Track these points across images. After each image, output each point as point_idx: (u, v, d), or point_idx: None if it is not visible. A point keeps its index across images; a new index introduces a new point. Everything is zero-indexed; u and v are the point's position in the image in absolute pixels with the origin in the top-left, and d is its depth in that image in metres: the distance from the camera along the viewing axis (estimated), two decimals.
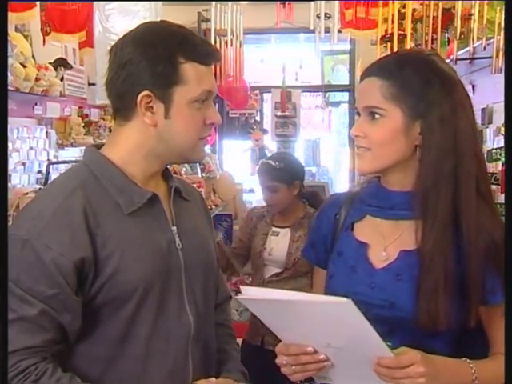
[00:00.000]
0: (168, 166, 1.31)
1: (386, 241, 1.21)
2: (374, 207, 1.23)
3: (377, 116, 1.16)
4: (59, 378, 1.09)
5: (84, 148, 1.29)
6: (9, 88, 3.08)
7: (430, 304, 1.11)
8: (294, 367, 1.10)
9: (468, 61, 3.49)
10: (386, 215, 1.21)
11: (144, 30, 1.22)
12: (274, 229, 2.65)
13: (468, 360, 1.13)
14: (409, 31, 3.55)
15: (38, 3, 3.41)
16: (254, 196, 5.74)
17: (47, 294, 1.09)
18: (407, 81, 1.14)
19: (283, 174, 2.58)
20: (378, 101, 1.15)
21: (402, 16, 3.63)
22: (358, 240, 1.24)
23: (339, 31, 4.27)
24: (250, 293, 1.08)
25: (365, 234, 1.24)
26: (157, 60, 1.15)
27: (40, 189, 3.41)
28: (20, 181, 3.73)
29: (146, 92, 1.16)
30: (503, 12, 2.89)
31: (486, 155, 2.80)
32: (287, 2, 4.92)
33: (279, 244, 2.59)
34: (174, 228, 1.24)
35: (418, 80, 1.15)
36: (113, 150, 1.22)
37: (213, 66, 1.25)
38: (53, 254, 1.09)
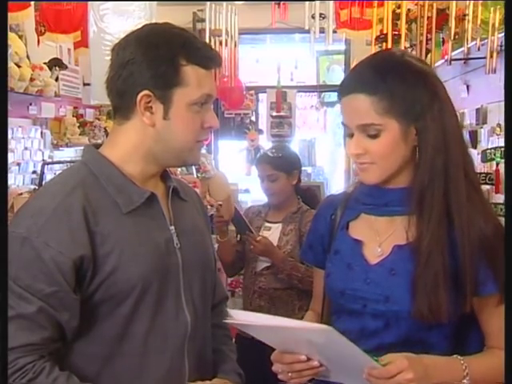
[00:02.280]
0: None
1: (380, 237, 1.23)
2: (369, 205, 1.25)
3: (374, 132, 1.16)
4: (56, 376, 1.10)
5: (81, 148, 1.29)
6: None
7: (431, 298, 1.12)
8: (290, 374, 1.12)
9: (462, 61, 3.50)
10: (380, 212, 1.23)
11: (147, 30, 1.23)
12: (267, 224, 2.68)
13: (459, 357, 1.14)
14: (403, 31, 3.56)
15: (32, 3, 3.39)
16: (250, 196, 5.74)
17: (46, 291, 1.10)
18: (394, 92, 1.14)
19: (282, 162, 2.64)
20: (373, 118, 1.15)
21: (396, 16, 3.63)
22: (353, 238, 1.26)
23: (334, 31, 4.28)
24: (239, 317, 1.11)
25: (360, 231, 1.26)
26: (158, 61, 1.16)
27: (35, 189, 3.40)
28: (15, 181, 3.72)
29: (145, 92, 1.16)
30: (498, 12, 2.90)
31: (480, 155, 2.81)
32: (282, 3, 4.91)
33: (270, 238, 2.61)
34: (172, 227, 1.25)
35: (404, 88, 1.15)
36: (111, 150, 1.23)
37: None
38: (52, 252, 1.10)
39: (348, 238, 1.27)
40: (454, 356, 1.14)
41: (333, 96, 6.90)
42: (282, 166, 2.63)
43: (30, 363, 1.08)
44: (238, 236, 2.78)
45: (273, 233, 2.65)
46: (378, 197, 1.23)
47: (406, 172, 1.20)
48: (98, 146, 1.27)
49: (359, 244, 1.24)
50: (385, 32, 3.65)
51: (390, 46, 3.55)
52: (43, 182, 3.32)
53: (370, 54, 1.26)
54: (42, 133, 4.16)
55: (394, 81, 1.15)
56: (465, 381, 1.12)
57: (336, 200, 1.34)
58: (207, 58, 1.20)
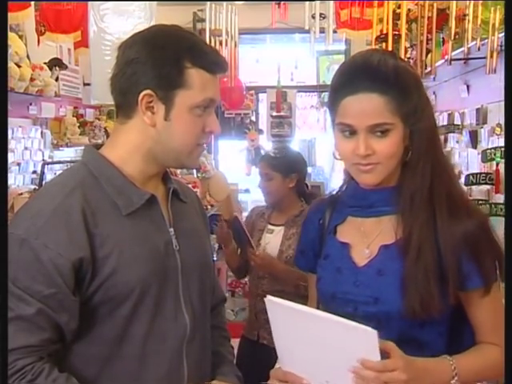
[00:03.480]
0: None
1: (368, 239, 1.23)
2: (355, 207, 1.26)
3: (383, 131, 1.16)
4: (55, 378, 1.10)
5: (82, 148, 1.29)
6: None
7: (422, 293, 1.13)
8: None
9: (463, 61, 3.50)
10: (366, 213, 1.24)
11: (155, 31, 1.23)
12: (270, 226, 2.66)
13: (448, 357, 1.15)
14: (404, 31, 3.56)
15: (32, 3, 3.40)
16: (250, 196, 5.75)
17: (45, 293, 1.09)
18: (403, 92, 1.16)
19: (280, 163, 2.61)
20: (386, 117, 1.15)
21: (396, 16, 3.63)
22: (341, 241, 1.26)
23: (334, 31, 4.28)
24: (276, 301, 1.08)
25: (347, 234, 1.26)
26: (163, 61, 1.16)
27: (35, 189, 3.40)
28: (15, 181, 3.72)
29: (148, 91, 1.16)
30: (498, 12, 2.90)
31: (480, 155, 2.81)
32: (282, 2, 4.92)
33: (272, 241, 2.60)
34: (172, 230, 1.25)
35: (408, 89, 1.17)
36: (112, 150, 1.23)
37: None
38: (51, 254, 1.10)
39: (336, 241, 1.27)
40: (443, 356, 1.15)
41: None
42: (278, 167, 2.61)
43: (28, 365, 1.08)
44: (239, 250, 2.73)
45: (275, 236, 2.63)
46: (362, 198, 1.24)
47: (392, 172, 1.21)
48: (98, 147, 1.27)
49: (347, 247, 1.25)
50: (385, 32, 3.65)
51: (390, 45, 3.54)
52: (43, 182, 3.32)
53: (360, 55, 1.22)
54: (42, 133, 4.16)
55: (402, 83, 1.16)
56: (453, 381, 1.13)
57: (323, 204, 1.34)
58: (213, 63, 1.20)
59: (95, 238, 1.13)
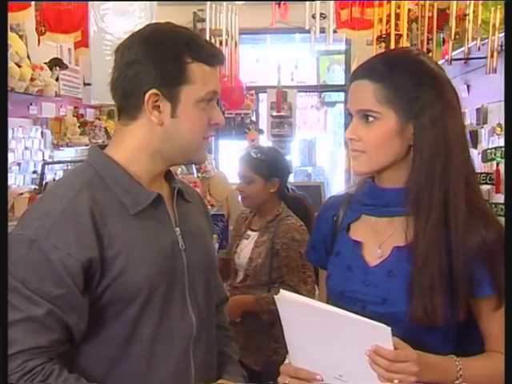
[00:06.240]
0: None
1: (380, 238, 1.22)
2: (369, 206, 1.25)
3: (371, 119, 1.16)
4: (66, 378, 1.10)
5: (82, 148, 1.29)
6: None
7: (426, 300, 1.12)
8: None
9: (463, 61, 3.50)
10: (380, 213, 1.23)
11: (151, 30, 1.23)
12: (249, 231, 2.52)
13: (455, 357, 1.14)
14: (404, 31, 3.57)
15: (32, 3, 3.40)
16: None
17: (54, 294, 1.09)
18: (399, 84, 1.15)
19: (262, 165, 2.43)
20: (372, 104, 1.16)
21: (397, 16, 3.64)
22: (353, 239, 1.26)
23: (335, 31, 4.29)
24: (288, 296, 1.08)
25: (360, 233, 1.26)
26: (164, 59, 1.16)
27: (35, 189, 3.40)
28: (15, 181, 3.72)
29: (153, 91, 1.16)
30: (498, 12, 2.90)
31: (481, 155, 2.81)
32: (282, 2, 4.92)
33: (245, 248, 2.47)
34: (178, 229, 1.25)
35: (409, 82, 1.15)
36: (117, 150, 1.23)
37: None
38: (60, 254, 1.09)
39: (348, 239, 1.26)
40: (450, 356, 1.14)
41: (333, 96, 6.91)
42: (259, 169, 2.42)
43: (39, 366, 1.08)
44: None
45: (250, 243, 2.47)
46: (377, 197, 1.23)
47: (404, 171, 1.19)
48: (102, 148, 1.27)
49: (359, 246, 1.24)
50: (385, 32, 3.65)
51: (392, 46, 3.55)
52: (43, 182, 3.32)
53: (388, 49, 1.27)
54: (42, 133, 4.16)
55: (401, 74, 1.16)
56: (457, 382, 1.12)
57: (338, 201, 1.34)
58: (211, 56, 1.21)
59: (104, 238, 1.13)
